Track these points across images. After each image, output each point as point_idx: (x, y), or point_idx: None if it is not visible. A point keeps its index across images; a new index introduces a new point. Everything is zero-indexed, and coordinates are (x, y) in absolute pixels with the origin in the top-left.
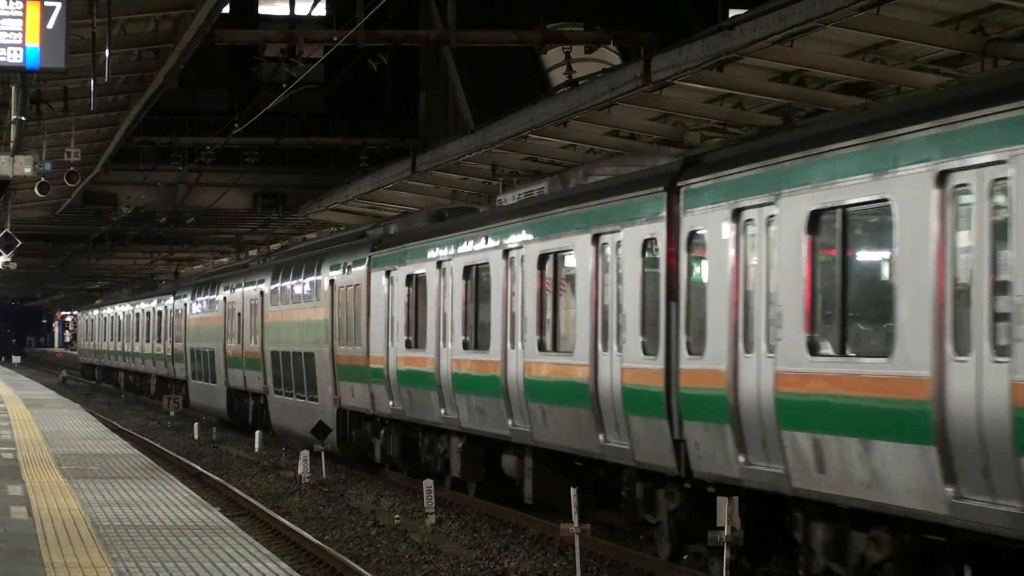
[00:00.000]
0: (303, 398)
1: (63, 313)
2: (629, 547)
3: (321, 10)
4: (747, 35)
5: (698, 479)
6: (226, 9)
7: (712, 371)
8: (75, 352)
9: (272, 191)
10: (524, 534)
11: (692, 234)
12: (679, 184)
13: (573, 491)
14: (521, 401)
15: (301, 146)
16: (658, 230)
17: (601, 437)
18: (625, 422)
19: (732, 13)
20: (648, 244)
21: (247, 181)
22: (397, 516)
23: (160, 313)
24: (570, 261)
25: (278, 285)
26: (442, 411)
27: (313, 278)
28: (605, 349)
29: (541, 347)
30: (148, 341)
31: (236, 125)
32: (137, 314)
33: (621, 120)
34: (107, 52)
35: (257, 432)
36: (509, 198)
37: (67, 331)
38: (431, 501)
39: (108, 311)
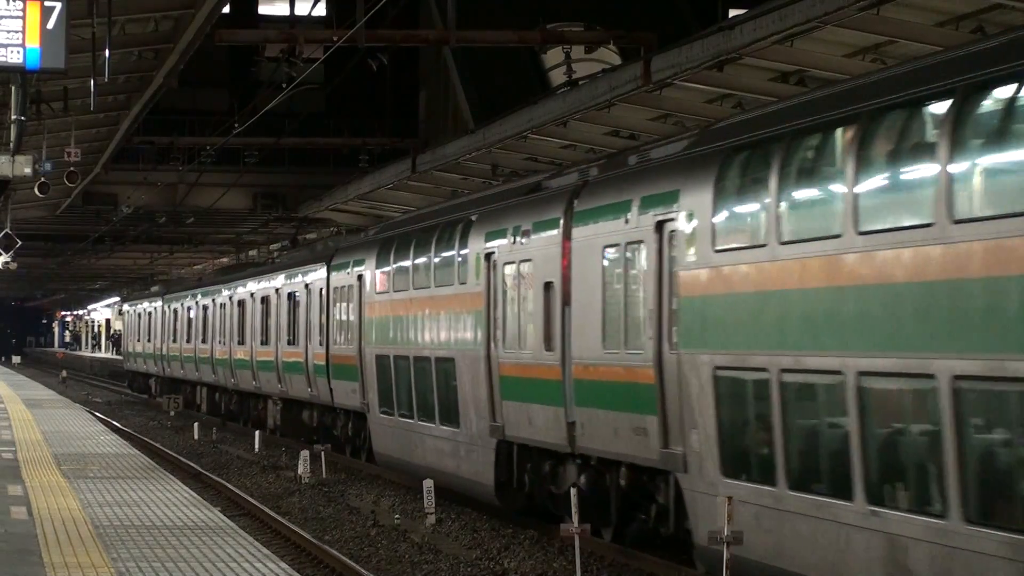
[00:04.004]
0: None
1: (63, 313)
2: (629, 548)
3: (321, 10)
4: (747, 35)
5: None
6: (226, 9)
7: None
8: (118, 357)
9: (272, 191)
10: (524, 534)
11: None
12: None
13: (573, 491)
14: None
15: (301, 146)
16: None
17: None
18: None
19: (732, 13)
20: None
21: (247, 181)
22: (397, 516)
23: (292, 296)
24: None
25: (740, 209)
26: None
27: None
28: None
29: None
30: (265, 343)
31: (236, 125)
32: (240, 301)
33: (621, 120)
34: (107, 52)
35: (257, 432)
36: None
37: (67, 331)
38: (431, 501)
39: (184, 300)
